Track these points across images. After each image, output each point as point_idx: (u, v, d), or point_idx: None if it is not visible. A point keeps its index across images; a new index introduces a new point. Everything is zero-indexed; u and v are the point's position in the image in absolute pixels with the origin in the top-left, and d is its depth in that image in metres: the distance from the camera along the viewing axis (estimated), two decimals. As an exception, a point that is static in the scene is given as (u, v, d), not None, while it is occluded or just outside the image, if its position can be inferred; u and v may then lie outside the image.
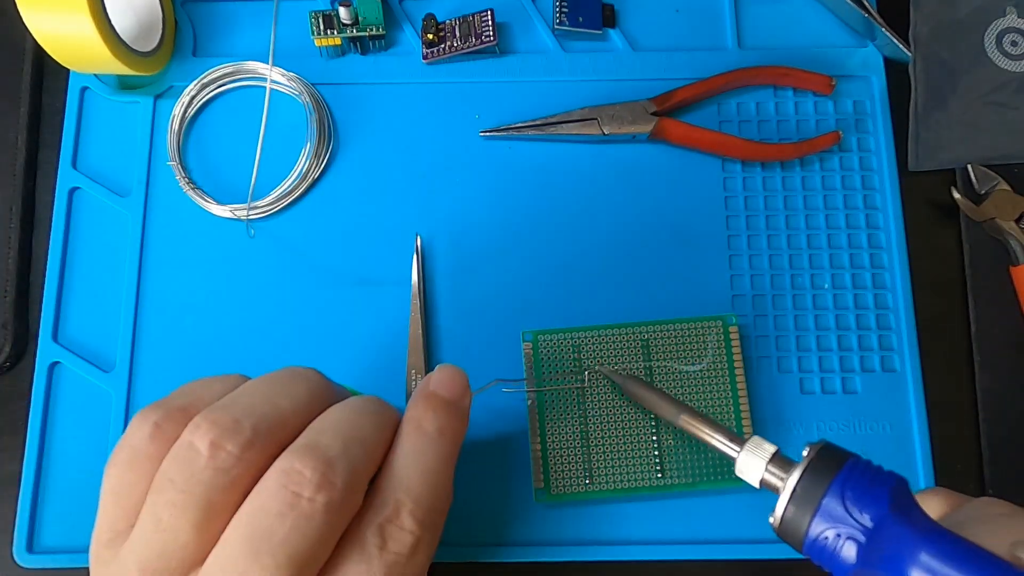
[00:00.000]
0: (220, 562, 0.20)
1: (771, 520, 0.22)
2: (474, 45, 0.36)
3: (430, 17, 0.36)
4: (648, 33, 0.38)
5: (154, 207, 0.36)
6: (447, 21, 0.37)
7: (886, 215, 0.36)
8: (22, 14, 0.31)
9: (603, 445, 0.32)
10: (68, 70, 0.37)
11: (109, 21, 0.32)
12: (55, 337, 0.34)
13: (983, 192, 0.36)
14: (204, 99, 0.37)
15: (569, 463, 0.32)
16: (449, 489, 0.24)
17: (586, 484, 0.32)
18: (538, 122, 0.36)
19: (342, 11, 0.36)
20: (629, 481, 0.32)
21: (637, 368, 0.33)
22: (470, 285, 0.35)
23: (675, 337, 0.33)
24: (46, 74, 0.38)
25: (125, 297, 0.35)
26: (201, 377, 0.25)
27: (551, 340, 0.33)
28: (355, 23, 0.36)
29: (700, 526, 0.32)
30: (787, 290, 0.35)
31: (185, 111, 0.36)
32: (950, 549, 0.19)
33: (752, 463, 0.24)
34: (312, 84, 0.37)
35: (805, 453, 0.22)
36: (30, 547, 0.32)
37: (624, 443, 0.32)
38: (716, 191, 0.36)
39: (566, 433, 0.32)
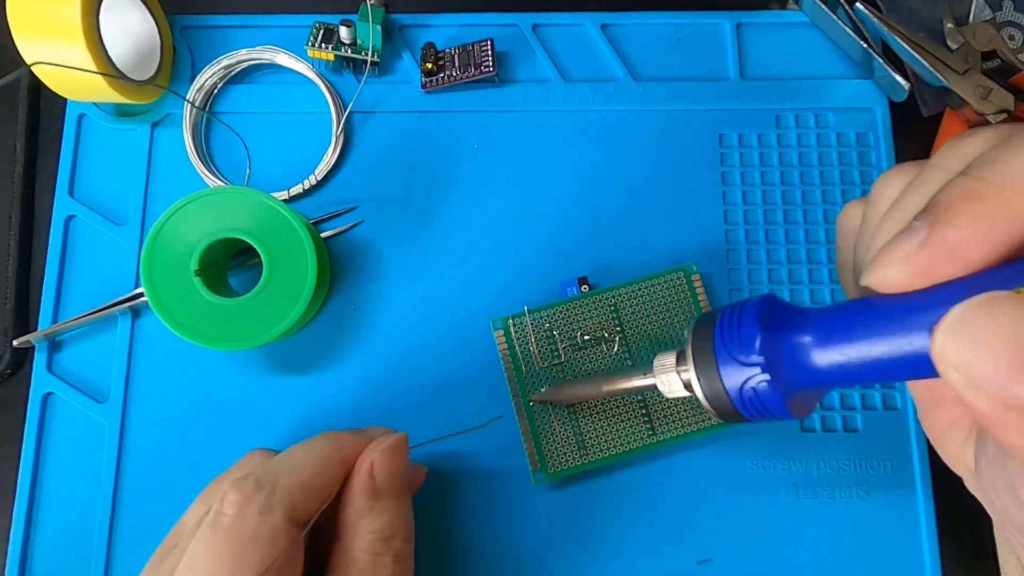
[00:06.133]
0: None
1: (708, 412, 0.22)
2: (473, 75, 0.36)
3: (429, 46, 0.36)
4: (649, 63, 0.38)
5: (150, 236, 0.35)
6: (446, 50, 0.36)
7: (889, 249, 0.35)
8: (18, 46, 0.31)
9: (591, 416, 0.32)
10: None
11: (106, 51, 0.32)
12: (49, 367, 0.34)
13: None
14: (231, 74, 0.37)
15: (560, 440, 0.32)
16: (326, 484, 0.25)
17: (581, 456, 0.32)
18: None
19: (342, 30, 0.36)
20: (621, 445, 0.32)
21: (612, 334, 0.33)
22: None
23: (642, 295, 0.33)
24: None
25: (120, 327, 0.35)
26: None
27: (521, 324, 0.33)
28: (352, 44, 0.36)
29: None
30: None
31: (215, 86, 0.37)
32: (824, 320, 0.19)
33: (668, 379, 0.24)
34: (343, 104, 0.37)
35: (686, 336, 0.22)
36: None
37: (609, 408, 0.32)
38: (718, 234, 0.36)
39: (552, 414, 0.32)
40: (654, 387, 0.25)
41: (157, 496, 0.33)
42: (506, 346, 0.33)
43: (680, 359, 0.24)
